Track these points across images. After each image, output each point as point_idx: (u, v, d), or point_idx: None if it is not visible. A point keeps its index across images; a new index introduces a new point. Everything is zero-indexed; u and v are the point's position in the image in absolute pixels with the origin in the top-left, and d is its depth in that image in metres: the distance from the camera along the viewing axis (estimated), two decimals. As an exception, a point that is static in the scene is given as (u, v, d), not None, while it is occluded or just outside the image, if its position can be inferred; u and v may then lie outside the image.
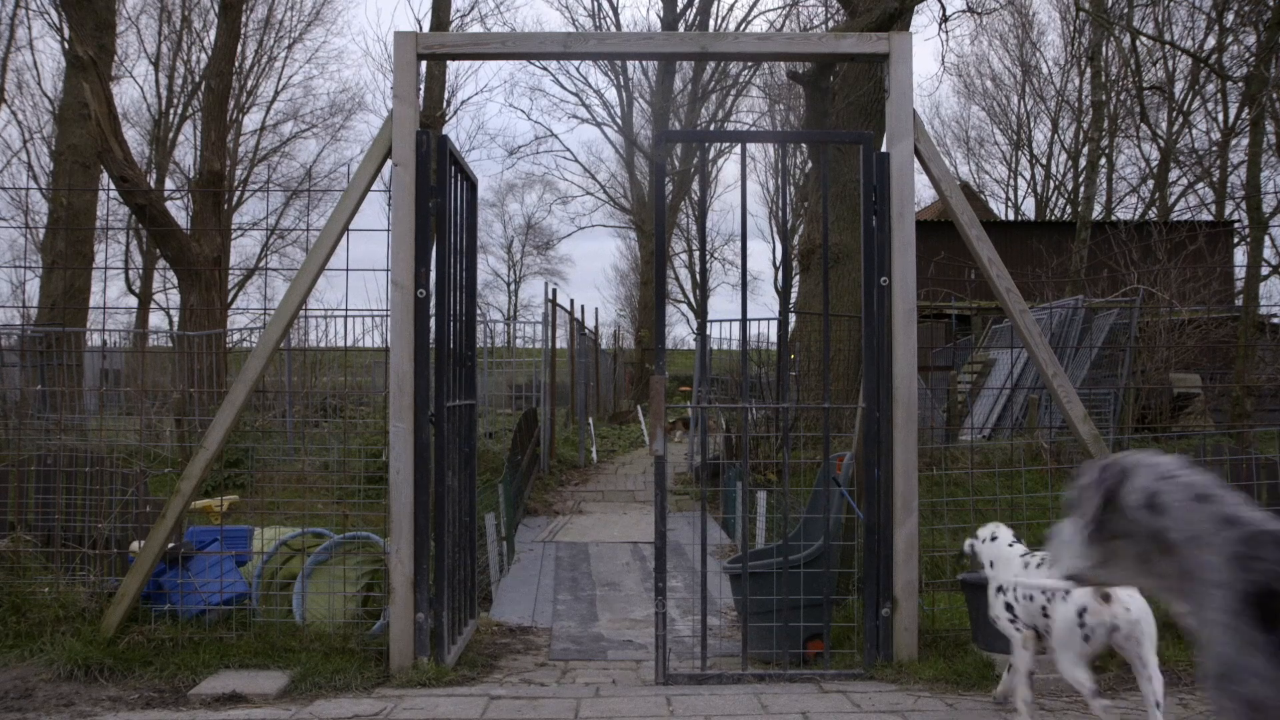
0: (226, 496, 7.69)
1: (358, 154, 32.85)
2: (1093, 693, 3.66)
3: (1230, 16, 19.52)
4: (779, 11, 34.18)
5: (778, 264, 40.90)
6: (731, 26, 32.42)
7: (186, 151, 31.34)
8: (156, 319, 32.14)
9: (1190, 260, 12.47)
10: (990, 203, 35.25)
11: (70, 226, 15.24)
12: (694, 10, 33.32)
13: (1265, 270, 18.84)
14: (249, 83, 31.46)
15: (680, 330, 43.77)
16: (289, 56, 33.82)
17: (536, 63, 31.35)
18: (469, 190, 5.60)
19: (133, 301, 30.79)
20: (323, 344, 11.71)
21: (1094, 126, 21.77)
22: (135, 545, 5.59)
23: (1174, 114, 25.26)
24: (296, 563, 5.59)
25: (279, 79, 33.68)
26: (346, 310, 7.46)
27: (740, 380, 7.53)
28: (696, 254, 42.66)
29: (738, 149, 17.31)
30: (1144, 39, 22.61)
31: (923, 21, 62.28)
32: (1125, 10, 20.60)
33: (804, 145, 23.18)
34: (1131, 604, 3.64)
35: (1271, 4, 15.41)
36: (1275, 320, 16.64)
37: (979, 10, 18.85)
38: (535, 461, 12.34)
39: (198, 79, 28.74)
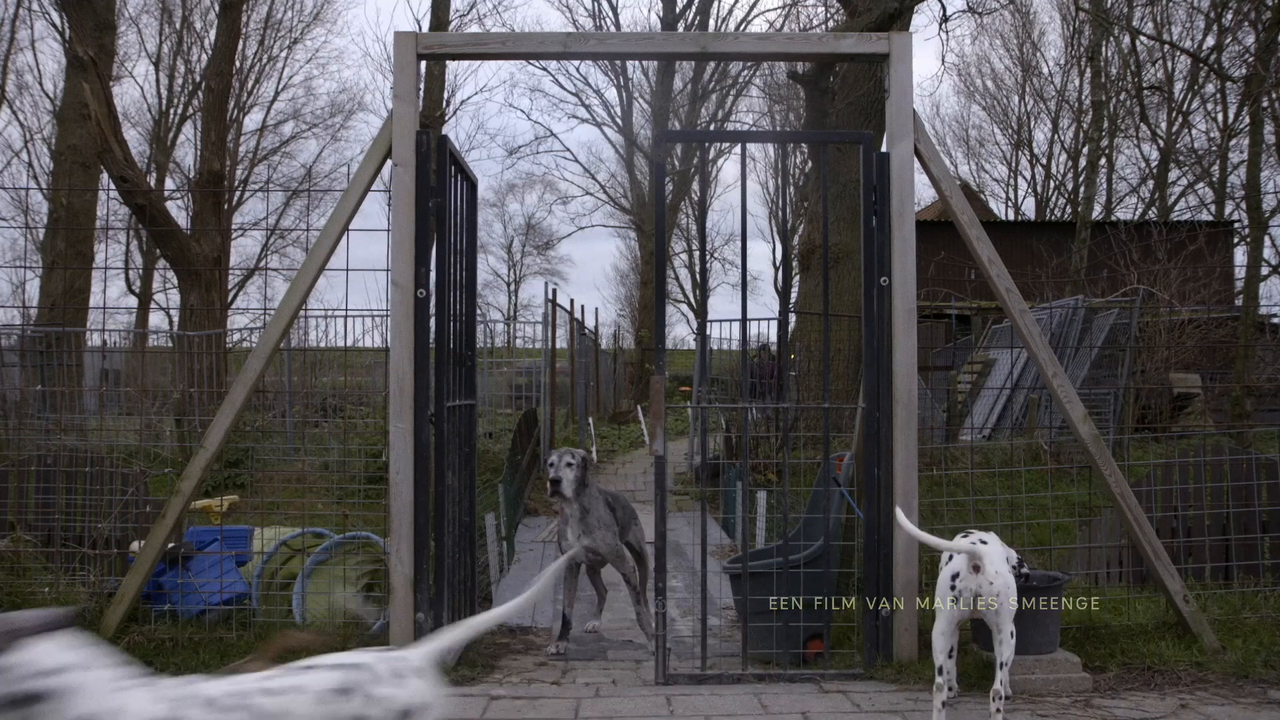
0: (226, 496, 7.69)
1: (358, 154, 32.86)
2: (939, 670, 4.06)
3: (1229, 16, 19.52)
4: (779, 11, 34.24)
5: (778, 264, 40.95)
6: (731, 26, 32.43)
7: (186, 151, 31.38)
8: (156, 319, 32.16)
9: (1190, 260, 12.48)
10: (990, 203, 35.26)
11: (70, 226, 15.24)
12: (694, 10, 33.32)
13: (1265, 270, 18.83)
14: (249, 83, 31.47)
15: (680, 330, 43.77)
16: (289, 56, 33.86)
17: (536, 63, 31.35)
18: (469, 190, 5.59)
19: (133, 301, 30.82)
20: (323, 344, 11.72)
21: (1094, 126, 21.76)
22: (135, 545, 5.59)
23: (1174, 114, 25.27)
24: (296, 563, 5.59)
25: (279, 79, 33.71)
26: (346, 310, 7.49)
27: (740, 380, 7.54)
28: (696, 254, 42.68)
29: (738, 149, 17.31)
30: (1144, 39, 22.62)
31: (923, 21, 62.31)
32: (1125, 10, 20.61)
33: (804, 145, 23.19)
34: (996, 577, 4.02)
35: (1270, 4, 15.42)
36: (1275, 320, 16.65)
37: (979, 10, 18.84)
38: (535, 461, 12.34)
39: (198, 79, 28.75)
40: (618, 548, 5.91)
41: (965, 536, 4.31)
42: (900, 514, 4.50)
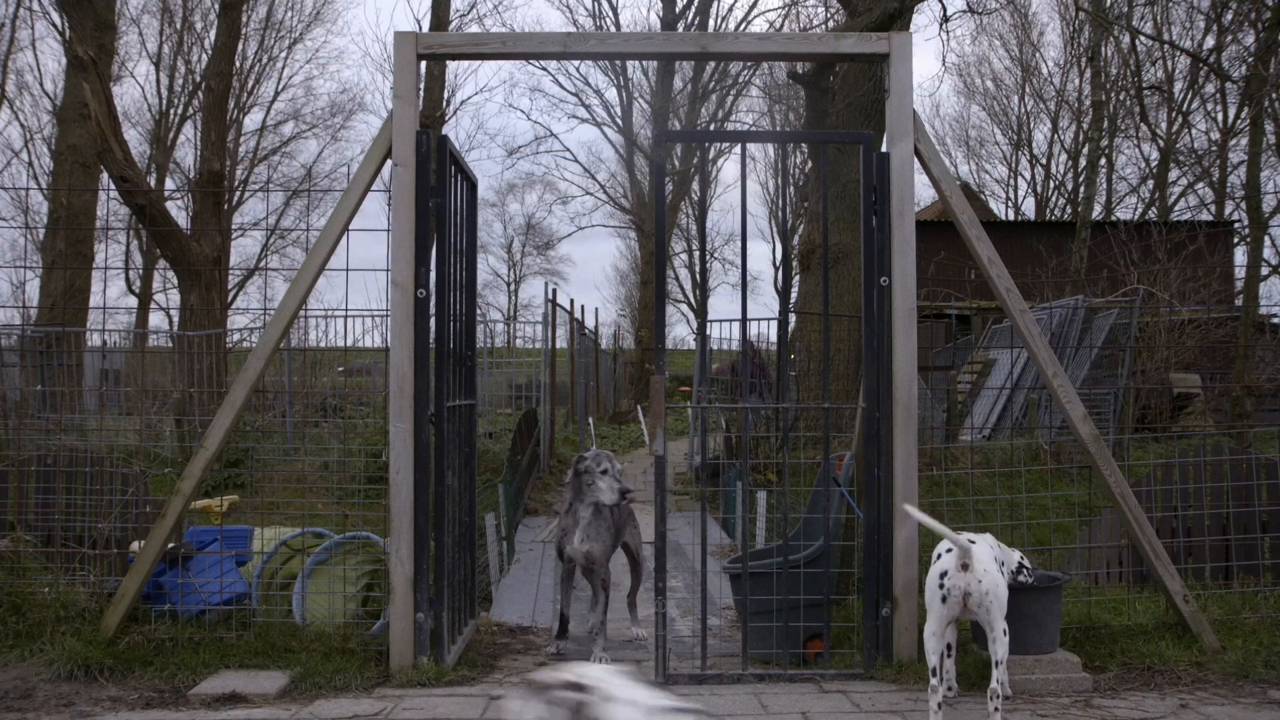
0: (226, 496, 7.69)
1: (358, 154, 32.86)
2: (932, 671, 4.04)
3: (1229, 16, 19.53)
4: (779, 11, 34.25)
5: (778, 264, 40.96)
6: (731, 26, 32.43)
7: (187, 151, 31.39)
8: (156, 319, 32.18)
9: (1190, 260, 12.47)
10: (990, 203, 35.26)
11: (70, 226, 15.25)
12: (694, 10, 33.31)
13: (1265, 270, 18.84)
14: (249, 83, 31.49)
15: (680, 330, 43.79)
16: (289, 56, 33.89)
17: (536, 63, 31.35)
18: (469, 190, 5.59)
19: (133, 301, 30.84)
20: (323, 344, 11.72)
21: (1094, 126, 21.78)
22: (135, 545, 5.58)
23: (1173, 114, 25.26)
24: (296, 563, 5.58)
25: (279, 79, 33.75)
26: (346, 310, 7.49)
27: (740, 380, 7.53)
28: (696, 254, 42.69)
29: (738, 149, 17.30)
30: (1143, 39, 22.62)
31: (923, 21, 62.33)
32: (1125, 10, 20.62)
33: (804, 145, 23.18)
34: (984, 575, 4.04)
35: (1271, 4, 15.42)
36: (1275, 320, 16.65)
37: (979, 10, 18.86)
38: (535, 461, 12.34)
39: (198, 79, 28.76)
40: (608, 553, 5.95)
41: None
42: (907, 506, 4.54)
